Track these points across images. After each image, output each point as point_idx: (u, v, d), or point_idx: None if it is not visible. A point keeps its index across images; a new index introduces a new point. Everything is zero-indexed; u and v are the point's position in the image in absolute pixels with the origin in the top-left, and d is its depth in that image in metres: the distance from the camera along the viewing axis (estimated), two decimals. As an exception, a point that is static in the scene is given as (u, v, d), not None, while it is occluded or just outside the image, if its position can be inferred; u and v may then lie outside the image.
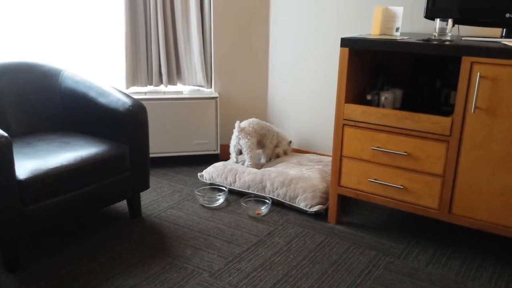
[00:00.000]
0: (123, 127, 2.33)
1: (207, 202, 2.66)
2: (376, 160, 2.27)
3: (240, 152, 2.97)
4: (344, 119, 2.31)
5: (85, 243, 2.24)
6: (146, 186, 2.47)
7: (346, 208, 2.66)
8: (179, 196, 2.78)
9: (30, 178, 1.92)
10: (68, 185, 2.06)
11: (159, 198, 2.75)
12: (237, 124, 2.89)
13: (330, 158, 3.05)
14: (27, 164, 2.01)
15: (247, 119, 3.35)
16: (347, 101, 2.30)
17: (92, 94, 2.43)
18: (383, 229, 2.43)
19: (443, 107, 2.36)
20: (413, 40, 2.12)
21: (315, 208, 2.53)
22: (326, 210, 2.54)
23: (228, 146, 3.37)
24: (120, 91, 2.41)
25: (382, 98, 2.31)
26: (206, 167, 3.17)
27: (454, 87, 2.17)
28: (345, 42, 2.22)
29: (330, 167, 2.87)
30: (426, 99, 2.42)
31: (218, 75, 3.26)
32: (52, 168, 2.00)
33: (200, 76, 3.27)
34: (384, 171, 2.26)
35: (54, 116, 2.55)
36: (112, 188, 2.27)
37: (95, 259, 2.11)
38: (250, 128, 2.91)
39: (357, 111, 2.26)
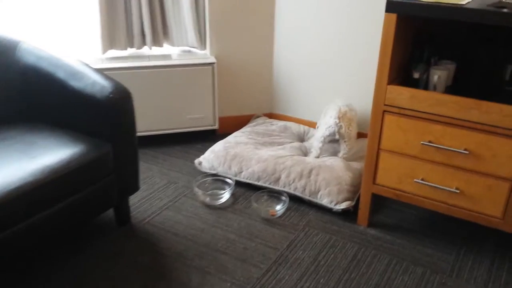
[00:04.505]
0: (103, 119, 1.81)
1: (209, 200, 2.21)
2: (426, 157, 1.82)
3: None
4: (385, 105, 1.82)
5: (63, 266, 1.79)
6: (135, 188, 1.99)
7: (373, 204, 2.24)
8: (175, 190, 2.31)
9: (-19, 207, 1.42)
10: (34, 207, 1.57)
11: (150, 193, 2.28)
12: (336, 107, 2.30)
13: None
14: (-23, 183, 1.50)
15: (252, 88, 2.85)
16: (390, 81, 1.81)
17: (61, 74, 1.87)
18: (423, 232, 2.03)
19: (507, 87, 1.88)
20: (484, 6, 1.60)
21: (342, 206, 2.10)
22: (355, 206, 2.12)
23: (228, 119, 2.86)
24: (97, 71, 1.86)
25: (435, 78, 1.82)
26: (202, 145, 2.70)
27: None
28: (392, 6, 1.69)
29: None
30: (483, 76, 1.93)
31: (215, 34, 2.68)
32: (11, 190, 1.50)
33: (191, 35, 2.69)
34: (435, 171, 1.81)
35: (12, 104, 2.00)
36: (92, 199, 1.79)
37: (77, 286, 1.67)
38: (353, 113, 2.36)
39: (404, 95, 1.77)
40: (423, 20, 1.95)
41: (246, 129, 2.71)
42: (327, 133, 2.30)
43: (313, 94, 2.77)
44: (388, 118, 1.84)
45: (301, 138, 2.67)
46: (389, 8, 1.70)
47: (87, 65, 1.91)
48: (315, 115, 2.77)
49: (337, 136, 2.30)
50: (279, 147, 2.49)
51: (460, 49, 2.00)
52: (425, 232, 2.04)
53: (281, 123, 2.76)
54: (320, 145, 2.34)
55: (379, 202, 2.22)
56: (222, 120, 2.83)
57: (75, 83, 1.84)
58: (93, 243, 1.92)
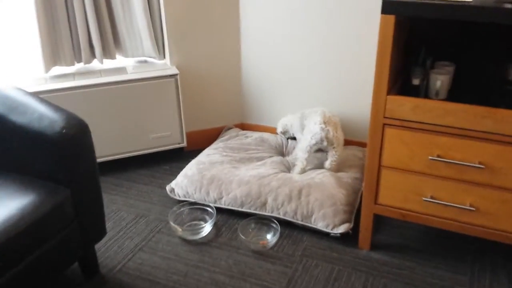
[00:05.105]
0: (57, 159, 1.50)
1: (188, 234, 1.93)
2: (434, 172, 1.62)
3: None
4: (385, 117, 1.61)
5: None
6: (101, 234, 1.69)
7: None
8: (146, 224, 2.02)
9: None
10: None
11: (119, 232, 1.97)
12: (319, 112, 2.10)
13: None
14: None
15: (221, 98, 2.60)
16: (390, 91, 1.59)
17: (-1, 109, 1.54)
18: (430, 251, 1.85)
19: (509, 87, 1.72)
20: (491, 3, 1.41)
21: (340, 229, 1.89)
22: (353, 227, 1.91)
23: (197, 133, 2.58)
24: (43, 102, 1.54)
25: (437, 83, 1.62)
26: (169, 167, 2.43)
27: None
28: (390, 6, 1.46)
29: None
30: (483, 77, 1.76)
31: (174, 41, 2.38)
32: None
33: (147, 44, 2.38)
34: (446, 187, 1.62)
35: None
36: (52, 257, 1.48)
37: None
38: (337, 119, 2.14)
39: (406, 106, 1.57)
40: (415, 20, 1.75)
41: (218, 144, 2.43)
42: (313, 141, 2.07)
43: (286, 101, 2.53)
44: (389, 131, 1.63)
45: (280, 151, 2.42)
46: (386, 9, 1.47)
47: (30, 94, 1.58)
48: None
49: (324, 143, 2.07)
50: (259, 163, 2.24)
51: (455, 48, 1.81)
52: (432, 250, 1.86)
53: (256, 134, 2.51)
54: (306, 155, 2.11)
55: (377, 219, 2.02)
56: (190, 135, 2.55)
57: (17, 118, 1.51)
58: (57, 306, 1.61)
